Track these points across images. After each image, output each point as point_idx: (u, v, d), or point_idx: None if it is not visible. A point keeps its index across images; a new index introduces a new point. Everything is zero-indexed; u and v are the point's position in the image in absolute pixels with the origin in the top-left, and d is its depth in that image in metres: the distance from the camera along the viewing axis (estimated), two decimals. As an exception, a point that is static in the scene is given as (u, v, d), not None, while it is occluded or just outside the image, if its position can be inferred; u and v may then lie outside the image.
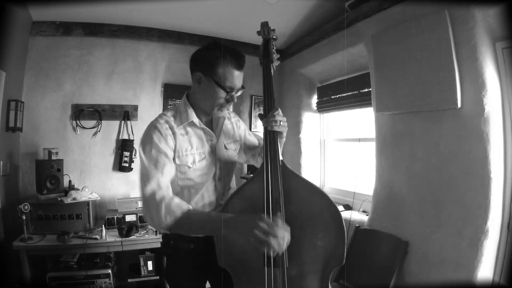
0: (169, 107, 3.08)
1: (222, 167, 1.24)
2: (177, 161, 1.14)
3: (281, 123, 1.12)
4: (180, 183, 1.16)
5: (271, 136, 1.12)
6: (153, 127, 1.13)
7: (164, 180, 1.08)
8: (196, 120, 1.17)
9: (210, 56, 1.10)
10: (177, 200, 1.06)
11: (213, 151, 1.22)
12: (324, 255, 1.06)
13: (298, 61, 3.10)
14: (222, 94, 1.12)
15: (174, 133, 1.14)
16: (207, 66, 1.11)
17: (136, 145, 2.78)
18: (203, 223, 1.04)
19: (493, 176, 1.51)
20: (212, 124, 1.26)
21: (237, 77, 1.12)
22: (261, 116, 1.18)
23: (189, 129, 1.18)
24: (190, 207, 1.07)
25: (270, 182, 1.06)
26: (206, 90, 1.13)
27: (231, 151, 1.30)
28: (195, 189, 1.19)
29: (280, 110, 1.14)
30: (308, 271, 1.07)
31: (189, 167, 1.15)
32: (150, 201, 1.04)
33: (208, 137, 1.21)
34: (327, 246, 1.06)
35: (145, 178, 1.07)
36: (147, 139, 1.12)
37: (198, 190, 1.19)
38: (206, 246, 1.13)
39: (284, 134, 1.19)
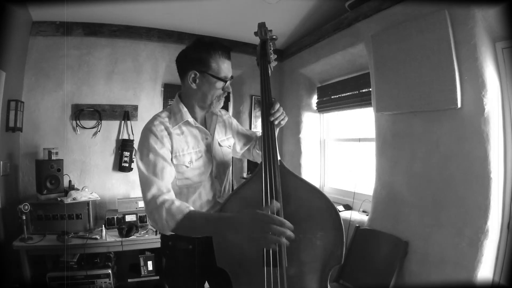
0: (168, 107, 3.07)
1: (218, 165, 1.25)
2: (175, 161, 1.14)
3: (284, 114, 1.18)
4: (178, 183, 1.17)
5: (269, 136, 1.12)
6: (148, 130, 1.13)
7: (164, 184, 1.07)
8: (191, 119, 1.18)
9: (201, 54, 1.13)
10: (177, 203, 1.03)
11: (209, 149, 1.23)
12: (323, 254, 1.06)
13: (298, 61, 3.10)
14: (219, 85, 1.15)
15: (170, 134, 1.14)
16: (200, 64, 1.13)
17: (136, 145, 2.77)
18: (205, 225, 1.01)
19: (493, 176, 1.51)
20: (206, 123, 1.27)
21: (228, 66, 1.16)
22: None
23: (184, 128, 1.18)
24: (191, 208, 1.05)
25: (268, 183, 1.06)
26: (202, 87, 1.15)
27: (226, 148, 1.31)
28: (193, 187, 1.19)
29: (278, 103, 1.18)
30: (307, 270, 1.07)
31: (187, 167, 1.16)
32: (151, 206, 1.04)
33: (203, 136, 1.22)
34: (326, 245, 1.06)
35: (145, 184, 1.07)
36: (144, 144, 1.12)
37: (196, 188, 1.20)
38: (205, 247, 1.13)
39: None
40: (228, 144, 1.33)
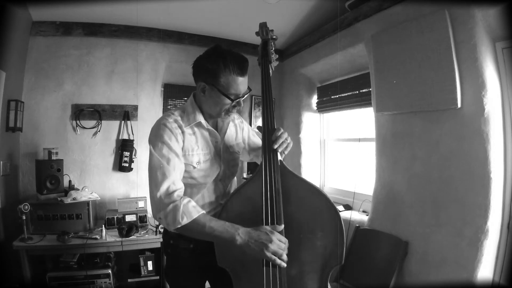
0: (169, 107, 3.08)
1: (225, 169, 1.24)
2: (183, 160, 1.14)
3: (288, 140, 1.12)
4: (183, 181, 1.16)
5: (269, 137, 1.12)
6: (162, 125, 1.12)
7: (178, 179, 1.08)
8: (203, 121, 1.17)
9: (212, 66, 1.07)
10: (193, 202, 1.05)
11: (218, 153, 1.22)
12: (323, 254, 1.06)
13: (298, 61, 3.10)
14: (228, 101, 1.11)
15: (183, 132, 1.14)
16: (209, 76, 1.09)
17: (136, 145, 2.78)
18: (217, 232, 1.00)
19: (493, 176, 1.51)
20: (218, 126, 1.26)
21: (241, 83, 1.10)
22: (259, 129, 1.16)
23: (196, 129, 1.18)
24: (204, 211, 1.06)
25: (268, 183, 1.06)
26: (211, 98, 1.12)
27: (234, 154, 1.30)
28: (197, 188, 1.19)
29: (281, 129, 1.12)
30: (307, 270, 1.08)
31: (194, 167, 1.16)
32: (166, 199, 1.03)
33: (213, 139, 1.21)
34: (326, 245, 1.06)
35: (159, 175, 1.06)
36: (158, 137, 1.11)
37: (199, 189, 1.20)
38: (206, 246, 1.13)
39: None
40: (237, 149, 1.32)
